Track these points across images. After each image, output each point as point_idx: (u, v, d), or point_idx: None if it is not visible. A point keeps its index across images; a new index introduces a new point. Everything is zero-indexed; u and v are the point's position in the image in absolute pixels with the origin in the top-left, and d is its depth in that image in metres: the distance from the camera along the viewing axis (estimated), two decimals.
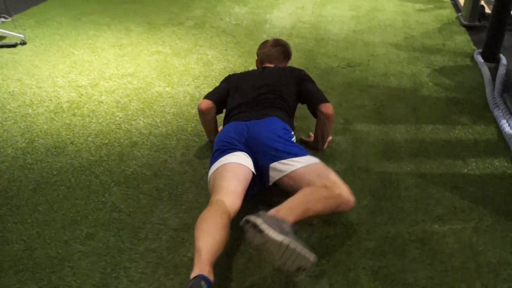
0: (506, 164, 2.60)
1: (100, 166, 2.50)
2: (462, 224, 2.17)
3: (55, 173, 2.45)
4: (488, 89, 3.37)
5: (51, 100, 3.18)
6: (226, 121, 2.43)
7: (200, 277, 1.56)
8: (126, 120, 2.93)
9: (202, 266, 1.60)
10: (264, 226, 1.61)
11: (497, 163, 2.61)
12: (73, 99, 3.19)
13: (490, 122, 3.02)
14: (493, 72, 3.70)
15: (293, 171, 2.05)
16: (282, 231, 1.62)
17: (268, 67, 2.69)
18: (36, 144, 2.70)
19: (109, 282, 1.82)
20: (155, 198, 2.28)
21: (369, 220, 2.18)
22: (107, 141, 2.72)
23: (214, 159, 2.14)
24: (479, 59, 3.89)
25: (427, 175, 2.50)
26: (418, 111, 3.14)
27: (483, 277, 1.90)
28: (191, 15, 4.87)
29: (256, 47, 4.03)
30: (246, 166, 2.08)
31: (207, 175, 2.38)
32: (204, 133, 2.78)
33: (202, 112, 2.51)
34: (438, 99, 3.31)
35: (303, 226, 2.12)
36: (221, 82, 2.67)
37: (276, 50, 2.75)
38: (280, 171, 2.07)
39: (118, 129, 2.85)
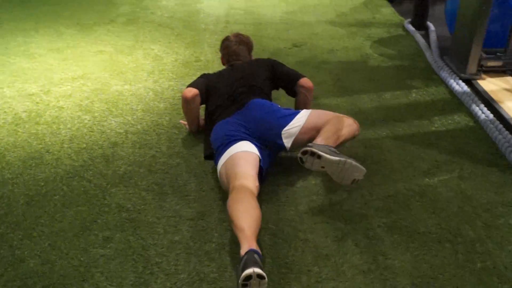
0: (465, 118, 2.87)
1: (88, 170, 2.42)
2: (448, 174, 2.38)
3: (42, 184, 2.34)
4: (428, 54, 3.66)
5: (5, 112, 2.99)
6: (210, 121, 2.45)
7: (252, 251, 1.61)
8: (96, 122, 2.84)
9: (250, 242, 1.66)
10: (320, 152, 1.98)
11: (457, 118, 2.87)
12: (30, 108, 3.03)
13: (439, 83, 3.29)
14: (425, 38, 4.00)
15: (302, 126, 2.27)
16: (334, 153, 2.01)
17: (236, 63, 2.71)
18: (8, 158, 2.54)
19: (146, 280, 1.80)
20: (159, 193, 2.26)
21: (368, 183, 2.32)
22: (84, 145, 2.63)
23: (220, 153, 2.20)
24: (410, 28, 4.19)
25: (402, 136, 2.70)
26: (374, 81, 3.34)
27: (481, 217, 2.11)
28: (120, 12, 4.75)
29: (196, 37, 4.11)
30: (253, 152, 2.16)
31: (202, 164, 2.42)
32: (182, 125, 2.78)
33: (187, 100, 2.50)
34: (387, 68, 3.54)
35: (310, 195, 2.22)
36: (199, 78, 2.66)
37: (241, 48, 2.77)
38: (292, 133, 2.27)
39: (91, 131, 2.75)
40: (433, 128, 2.77)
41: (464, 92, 3.06)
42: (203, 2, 5.02)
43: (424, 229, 2.05)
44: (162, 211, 2.15)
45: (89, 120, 2.86)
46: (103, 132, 2.74)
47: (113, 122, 2.84)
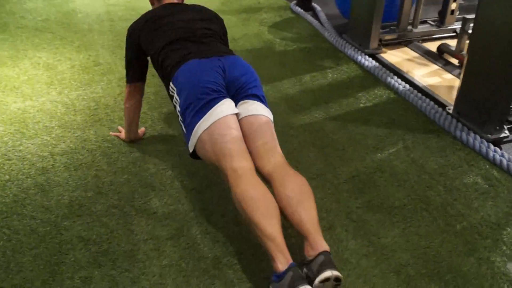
0: (385, 91, 3.03)
1: (26, 205, 2.09)
2: (394, 147, 2.50)
3: None
4: (327, 34, 3.78)
5: None
6: (176, 57, 2.01)
7: (296, 267, 1.52)
8: (10, 148, 2.46)
9: (287, 254, 1.55)
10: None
11: (378, 92, 3.02)
12: None
13: (348, 61, 3.42)
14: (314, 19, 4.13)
15: (259, 115, 1.92)
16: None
17: (175, 3, 2.30)
18: None
19: None
20: (121, 216, 2.03)
21: (328, 168, 2.34)
22: (7, 177, 2.26)
23: (198, 111, 1.84)
24: (299, 9, 4.29)
25: (337, 117, 2.77)
26: (287, 66, 3.37)
27: (439, 182, 2.25)
28: None
29: (84, 39, 3.78)
30: (236, 115, 1.89)
31: (155, 175, 2.24)
32: (113, 136, 2.54)
33: (132, 95, 2.28)
34: (293, 52, 3.59)
35: None
36: (130, 44, 2.22)
37: None
38: (246, 109, 1.93)
39: (9, 160, 2.38)
40: (362, 105, 2.88)
41: (376, 67, 3.23)
42: (75, 1, 4.59)
43: (398, 202, 2.13)
44: (134, 235, 1.94)
45: None
46: (24, 158, 2.38)
47: (30, 145, 2.48)
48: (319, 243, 1.63)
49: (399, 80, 3.05)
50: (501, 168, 2.32)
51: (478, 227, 1.99)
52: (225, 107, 1.86)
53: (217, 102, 1.85)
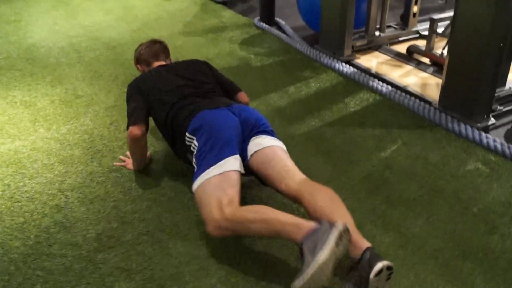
0: (369, 94, 3.18)
1: (52, 245, 2.04)
2: (394, 145, 2.63)
3: (5, 281, 1.89)
4: (299, 46, 3.90)
5: None
6: (186, 112, 2.17)
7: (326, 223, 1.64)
8: (14, 190, 2.38)
9: (305, 222, 1.69)
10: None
11: (364, 96, 3.16)
12: None
13: (326, 70, 3.55)
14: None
15: (271, 146, 2.08)
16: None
17: (165, 64, 2.58)
18: None
19: None
20: (155, 242, 2.02)
21: (339, 171, 2.43)
22: (22, 219, 2.19)
23: (214, 157, 1.94)
24: (264, 25, 4.39)
25: (333, 122, 2.87)
26: (269, 80, 3.45)
27: (445, 170, 2.40)
28: None
29: (55, 73, 3.73)
30: (240, 172, 2.00)
31: (175, 199, 2.24)
32: (119, 167, 2.51)
33: (137, 139, 2.27)
34: (271, 65, 3.68)
35: None
36: (132, 96, 2.36)
37: (159, 46, 2.69)
38: (259, 143, 2.09)
39: (17, 202, 2.30)
40: (352, 109, 3.01)
41: (355, 72, 3.37)
42: (32, 36, 4.46)
43: (414, 194, 2.24)
44: (174, 258, 1.94)
45: (3, 191, 2.38)
46: (33, 199, 2.31)
47: (34, 184, 2.41)
48: (361, 242, 1.72)
49: (381, 83, 3.21)
50: (496, 153, 2.49)
51: (492, 207, 2.14)
52: (232, 162, 1.95)
53: (228, 155, 1.95)
